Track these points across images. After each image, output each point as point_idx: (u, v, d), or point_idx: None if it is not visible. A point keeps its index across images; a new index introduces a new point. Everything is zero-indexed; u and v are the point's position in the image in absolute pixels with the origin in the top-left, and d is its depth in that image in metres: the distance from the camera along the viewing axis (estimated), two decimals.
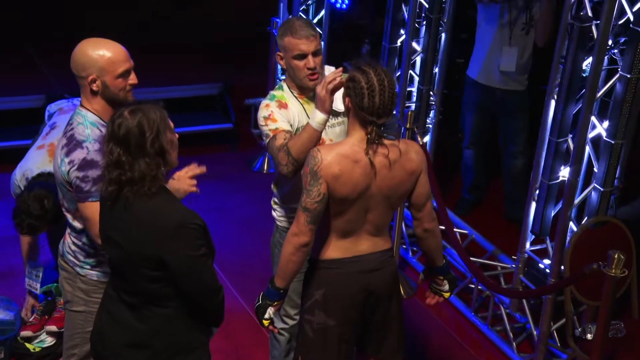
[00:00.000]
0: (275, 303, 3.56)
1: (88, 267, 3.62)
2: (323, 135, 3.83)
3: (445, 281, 3.79)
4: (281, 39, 3.81)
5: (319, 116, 3.55)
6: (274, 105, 3.82)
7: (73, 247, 3.63)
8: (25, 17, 8.49)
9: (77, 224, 3.57)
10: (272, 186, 4.06)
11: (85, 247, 3.60)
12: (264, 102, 3.85)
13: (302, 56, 3.77)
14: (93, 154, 3.40)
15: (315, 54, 3.78)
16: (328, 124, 3.85)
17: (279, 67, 6.94)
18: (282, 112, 3.80)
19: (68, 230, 3.67)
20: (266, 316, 3.56)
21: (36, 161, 4.34)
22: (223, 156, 7.08)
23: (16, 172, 4.38)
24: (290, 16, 6.93)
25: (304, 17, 6.91)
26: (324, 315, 3.55)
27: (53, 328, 4.66)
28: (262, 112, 3.80)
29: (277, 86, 3.98)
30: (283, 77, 6.82)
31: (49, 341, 4.68)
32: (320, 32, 6.43)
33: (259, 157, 6.94)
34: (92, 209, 3.40)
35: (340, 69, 3.53)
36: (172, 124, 3.14)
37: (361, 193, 3.40)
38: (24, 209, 4.19)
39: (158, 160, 3.07)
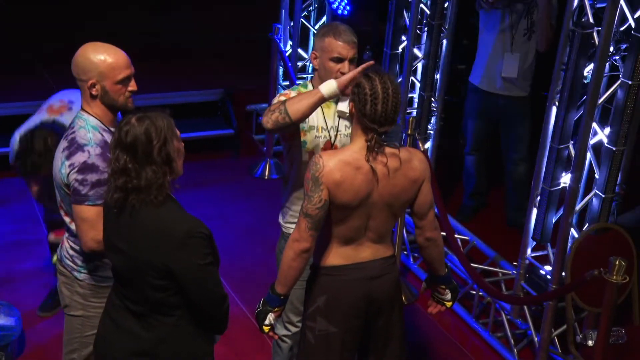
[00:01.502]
0: (276, 309, 3.55)
1: (85, 271, 3.61)
2: (337, 142, 3.84)
3: (448, 290, 3.77)
4: (321, 39, 3.81)
5: (331, 83, 3.55)
6: (294, 92, 3.84)
7: (71, 252, 3.63)
8: (27, 22, 8.49)
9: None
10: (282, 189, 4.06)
11: (83, 251, 3.59)
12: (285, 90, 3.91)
13: (339, 60, 3.77)
14: (94, 158, 3.40)
15: (351, 60, 3.79)
16: (345, 132, 3.85)
17: (281, 73, 6.95)
18: None
19: (66, 235, 3.67)
20: (266, 322, 3.55)
21: (35, 120, 4.27)
22: (224, 162, 7.07)
23: (15, 135, 4.30)
24: (291, 22, 6.94)
25: (305, 23, 6.94)
26: (325, 322, 3.55)
27: (52, 237, 4.58)
28: (280, 93, 3.85)
29: (302, 83, 3.99)
30: (285, 83, 6.89)
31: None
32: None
33: (260, 164, 6.93)
34: (87, 212, 3.40)
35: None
36: (178, 132, 3.13)
37: (363, 200, 3.39)
38: (27, 147, 4.10)
39: (165, 168, 3.06)
